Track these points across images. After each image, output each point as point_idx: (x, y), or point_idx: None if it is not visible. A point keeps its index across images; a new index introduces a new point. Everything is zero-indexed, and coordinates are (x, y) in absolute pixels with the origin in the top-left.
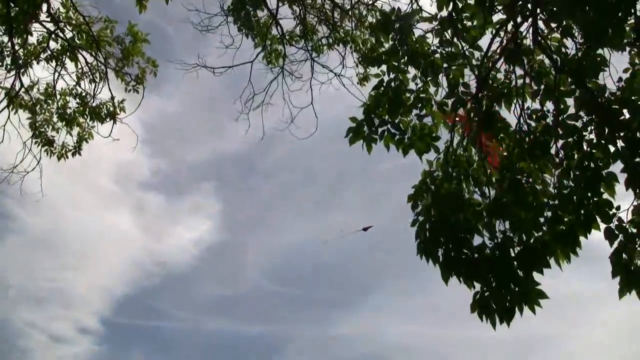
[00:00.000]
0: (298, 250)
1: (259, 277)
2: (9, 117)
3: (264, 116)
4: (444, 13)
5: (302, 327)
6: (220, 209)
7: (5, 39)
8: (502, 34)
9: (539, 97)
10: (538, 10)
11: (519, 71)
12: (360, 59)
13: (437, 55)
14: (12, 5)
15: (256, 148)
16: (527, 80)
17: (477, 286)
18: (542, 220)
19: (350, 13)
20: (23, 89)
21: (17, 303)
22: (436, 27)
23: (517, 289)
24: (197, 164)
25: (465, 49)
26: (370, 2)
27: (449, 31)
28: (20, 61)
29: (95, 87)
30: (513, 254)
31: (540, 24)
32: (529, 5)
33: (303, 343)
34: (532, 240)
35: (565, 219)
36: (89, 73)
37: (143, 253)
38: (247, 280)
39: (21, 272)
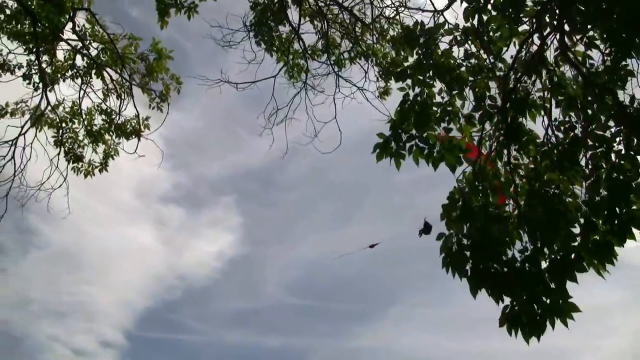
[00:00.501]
0: (318, 263)
1: (279, 289)
2: (35, 135)
3: (286, 130)
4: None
5: (323, 339)
6: (240, 222)
7: (32, 57)
8: (527, 45)
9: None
10: (564, 22)
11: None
12: (381, 72)
13: (463, 69)
14: (38, 23)
15: (276, 162)
16: (550, 92)
17: (505, 300)
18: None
19: (371, 27)
20: (49, 107)
21: (39, 317)
22: (460, 37)
23: (548, 301)
24: (217, 177)
25: (490, 61)
26: (392, 15)
27: (474, 44)
28: (47, 78)
29: (120, 104)
30: (544, 267)
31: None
32: (555, 17)
33: (323, 355)
34: (564, 252)
35: (599, 230)
36: (114, 90)
37: (164, 267)
38: (267, 293)
39: (44, 287)
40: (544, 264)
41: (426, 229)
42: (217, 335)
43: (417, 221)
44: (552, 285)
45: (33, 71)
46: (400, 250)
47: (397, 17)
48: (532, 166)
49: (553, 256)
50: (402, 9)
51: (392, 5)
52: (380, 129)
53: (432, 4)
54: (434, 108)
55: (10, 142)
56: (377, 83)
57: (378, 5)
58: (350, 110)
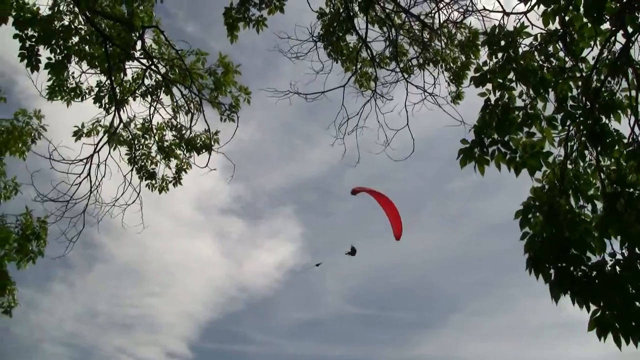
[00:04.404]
0: (377, 272)
1: (339, 299)
2: (109, 152)
3: (348, 138)
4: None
5: (384, 348)
6: (300, 232)
7: (103, 77)
8: (609, 44)
9: None
10: None
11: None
12: (451, 77)
13: (545, 71)
14: (110, 43)
15: (333, 171)
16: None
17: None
18: None
19: (439, 32)
20: (122, 125)
21: (106, 329)
22: (541, 43)
23: None
24: (276, 188)
25: (572, 62)
26: (459, 20)
27: (557, 45)
28: (118, 97)
29: (190, 118)
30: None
31: None
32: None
33: None
34: None
35: None
36: (185, 105)
37: (226, 278)
38: (327, 303)
39: (109, 300)
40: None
41: (352, 252)
42: (279, 346)
43: (475, 228)
44: None
45: (104, 92)
46: (457, 258)
47: (464, 21)
48: (614, 167)
49: None
50: (469, 13)
51: (460, 9)
52: (452, 135)
53: (501, 5)
54: (516, 112)
55: (85, 160)
56: (449, 88)
57: (445, 10)
58: (412, 117)
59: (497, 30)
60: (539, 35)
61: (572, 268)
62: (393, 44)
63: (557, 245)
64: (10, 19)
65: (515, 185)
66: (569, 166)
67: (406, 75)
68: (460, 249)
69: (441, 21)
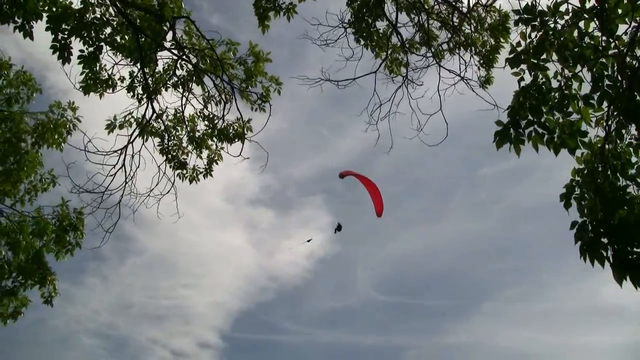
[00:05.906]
0: (407, 260)
1: (370, 288)
2: (143, 143)
3: (379, 125)
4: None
5: (417, 336)
6: (329, 221)
7: (134, 69)
8: None
9: None
10: None
11: None
12: (481, 61)
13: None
14: (141, 34)
15: (360, 160)
16: None
17: None
18: None
19: (468, 16)
20: (154, 116)
21: (140, 321)
22: (574, 20)
23: None
24: (304, 178)
25: (606, 40)
26: (488, 3)
27: (590, 23)
28: (150, 88)
29: (223, 108)
30: None
31: None
32: None
33: (420, 353)
34: None
35: None
36: (216, 95)
37: (256, 268)
38: (358, 292)
39: (142, 292)
40: None
41: (339, 228)
42: (311, 335)
43: (506, 214)
44: None
45: (136, 82)
46: (489, 244)
47: (494, 4)
48: None
49: None
50: None
51: None
52: (482, 120)
53: None
54: (552, 93)
55: (119, 151)
56: (478, 72)
57: None
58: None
59: (530, 8)
60: (571, 11)
61: (626, 250)
62: (423, 28)
63: (609, 228)
64: None
65: (546, 171)
66: (607, 146)
67: (437, 60)
68: (492, 235)
69: (471, 4)
